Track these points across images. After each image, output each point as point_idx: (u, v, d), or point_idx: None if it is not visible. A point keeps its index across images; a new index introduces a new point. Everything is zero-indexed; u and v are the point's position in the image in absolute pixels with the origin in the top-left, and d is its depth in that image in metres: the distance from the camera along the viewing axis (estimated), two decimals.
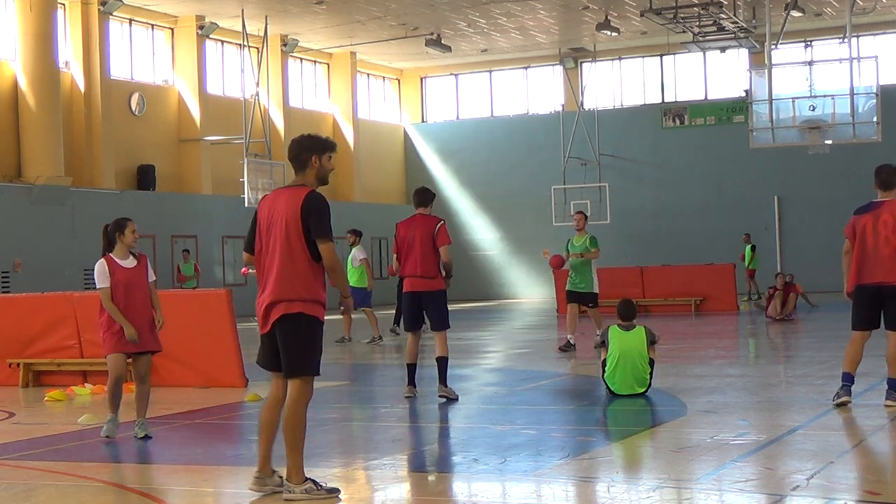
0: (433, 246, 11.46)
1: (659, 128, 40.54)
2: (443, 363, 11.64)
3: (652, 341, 11.59)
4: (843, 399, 9.94)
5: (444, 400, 11.45)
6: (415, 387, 11.88)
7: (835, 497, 6.67)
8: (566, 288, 17.41)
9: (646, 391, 11.35)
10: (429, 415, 11.01)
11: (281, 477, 7.10)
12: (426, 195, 11.89)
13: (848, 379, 10.07)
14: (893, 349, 9.90)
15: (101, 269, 9.61)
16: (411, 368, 11.89)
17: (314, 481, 7.00)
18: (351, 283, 19.79)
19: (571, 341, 17.05)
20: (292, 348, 6.94)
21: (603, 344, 11.69)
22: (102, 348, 9.73)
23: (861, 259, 10.04)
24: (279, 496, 6.96)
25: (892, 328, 9.94)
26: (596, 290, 17.24)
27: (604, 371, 11.52)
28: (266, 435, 7.09)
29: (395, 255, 11.83)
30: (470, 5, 33.94)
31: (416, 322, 11.73)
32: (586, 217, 17.55)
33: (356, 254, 20.71)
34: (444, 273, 11.56)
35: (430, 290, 11.51)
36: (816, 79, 23.58)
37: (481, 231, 42.94)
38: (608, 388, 11.43)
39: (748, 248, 32.89)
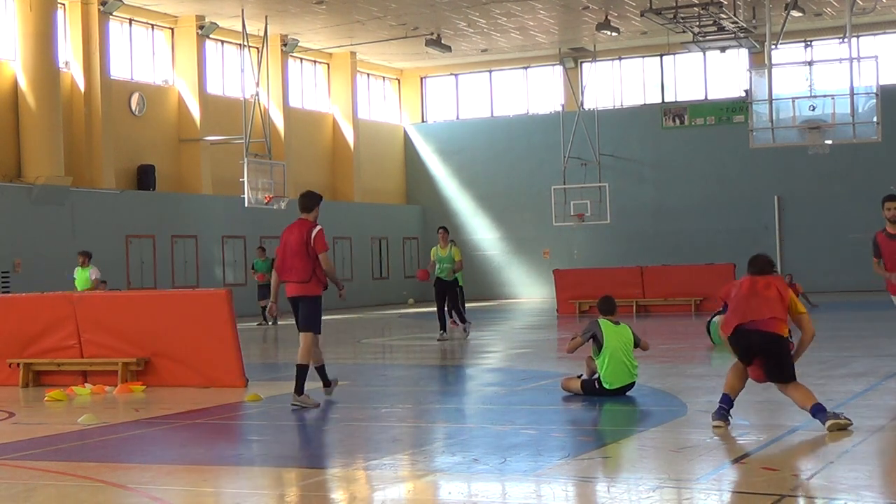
0: (307, 251, 11.38)
1: (659, 128, 40.54)
2: (300, 371, 11.35)
3: (636, 343, 11.51)
4: None
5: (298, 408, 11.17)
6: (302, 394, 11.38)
7: (835, 497, 6.66)
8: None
9: (633, 383, 11.36)
10: (429, 415, 11.01)
11: None
12: (303, 200, 11.71)
13: None
14: None
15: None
16: (302, 371, 11.43)
17: None
18: None
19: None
20: None
21: (594, 337, 11.34)
22: None
23: None
24: (278, 498, 6.94)
25: None
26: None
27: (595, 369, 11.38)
28: None
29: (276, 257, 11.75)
30: (470, 5, 33.92)
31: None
32: None
33: (91, 274, 21.96)
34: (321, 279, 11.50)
35: (305, 294, 11.46)
36: (816, 79, 23.54)
37: (481, 231, 42.93)
38: (601, 385, 11.32)
39: None
